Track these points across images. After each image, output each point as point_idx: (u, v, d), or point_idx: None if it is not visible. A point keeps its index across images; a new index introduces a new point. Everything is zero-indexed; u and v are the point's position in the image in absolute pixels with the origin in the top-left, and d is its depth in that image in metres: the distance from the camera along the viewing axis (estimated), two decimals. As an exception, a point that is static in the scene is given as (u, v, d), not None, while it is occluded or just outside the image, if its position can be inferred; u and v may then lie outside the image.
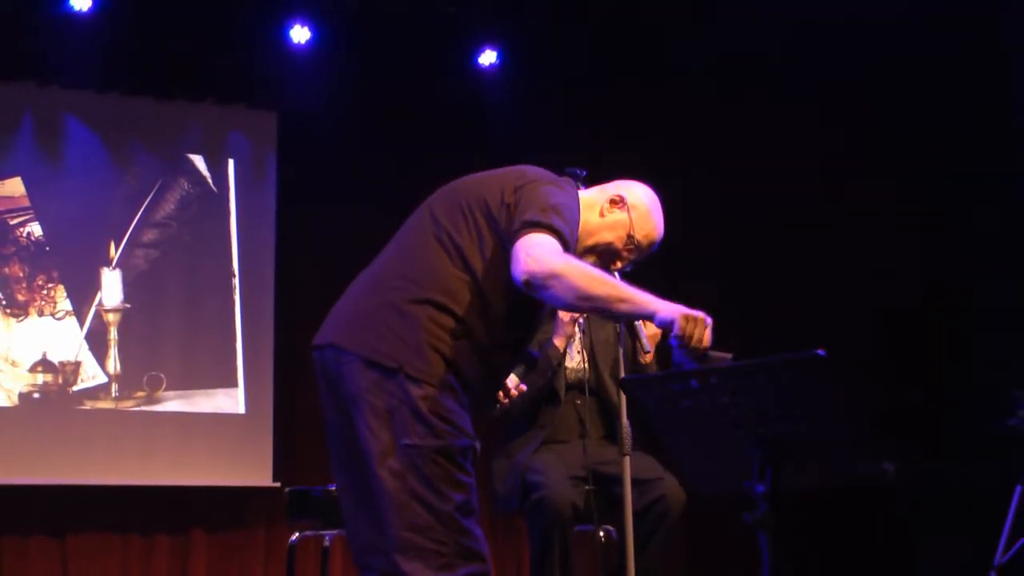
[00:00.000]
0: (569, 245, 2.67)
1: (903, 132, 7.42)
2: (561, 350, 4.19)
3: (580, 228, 2.87)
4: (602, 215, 2.99)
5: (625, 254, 3.01)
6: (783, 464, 2.57)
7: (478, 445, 2.70)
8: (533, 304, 2.78)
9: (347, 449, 2.72)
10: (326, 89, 6.75)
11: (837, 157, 7.36)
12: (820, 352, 2.36)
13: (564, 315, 4.15)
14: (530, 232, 2.63)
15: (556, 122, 7.09)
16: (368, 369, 2.65)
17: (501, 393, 3.17)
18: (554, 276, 2.56)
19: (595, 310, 2.74)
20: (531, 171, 2.91)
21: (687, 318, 2.54)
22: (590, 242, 2.96)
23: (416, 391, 2.61)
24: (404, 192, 6.94)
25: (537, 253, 2.58)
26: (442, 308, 2.69)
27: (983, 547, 6.08)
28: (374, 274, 2.91)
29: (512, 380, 3.19)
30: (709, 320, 2.59)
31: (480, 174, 3.00)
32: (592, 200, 3.02)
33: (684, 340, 2.54)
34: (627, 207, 3.01)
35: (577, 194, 2.92)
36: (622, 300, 2.60)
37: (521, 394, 4.01)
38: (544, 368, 4.17)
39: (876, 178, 7.41)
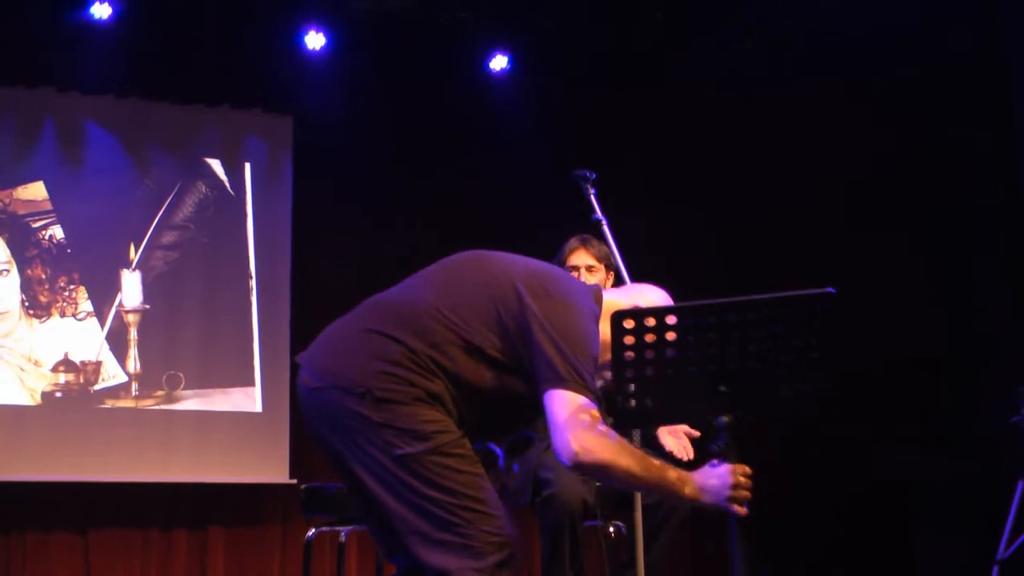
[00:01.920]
0: (598, 394, 2.67)
1: (902, 137, 7.48)
2: None
3: (604, 339, 2.79)
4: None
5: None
6: (748, 399, 2.85)
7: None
8: (515, 410, 2.83)
9: (346, 476, 2.73)
10: (340, 94, 6.84)
11: (837, 161, 7.42)
12: (830, 289, 2.68)
13: None
14: (565, 391, 2.61)
15: (565, 126, 7.15)
16: (342, 394, 2.66)
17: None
18: (604, 467, 2.62)
19: (639, 491, 2.82)
20: (555, 282, 2.80)
21: (733, 495, 2.88)
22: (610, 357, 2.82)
23: (388, 408, 2.62)
24: (416, 194, 7.11)
25: (585, 441, 2.59)
26: (412, 352, 2.67)
27: (986, 541, 6.14)
28: (365, 307, 2.86)
29: None
30: (744, 480, 2.90)
31: (494, 255, 2.90)
32: (615, 307, 2.87)
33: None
34: None
35: (592, 308, 2.81)
36: (665, 486, 2.75)
37: None
38: None
39: (875, 180, 7.47)
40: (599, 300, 2.91)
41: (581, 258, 4.35)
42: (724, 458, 2.87)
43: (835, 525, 7.23)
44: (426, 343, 2.67)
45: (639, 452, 2.70)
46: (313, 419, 2.76)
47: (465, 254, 2.93)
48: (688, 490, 2.79)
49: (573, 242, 4.38)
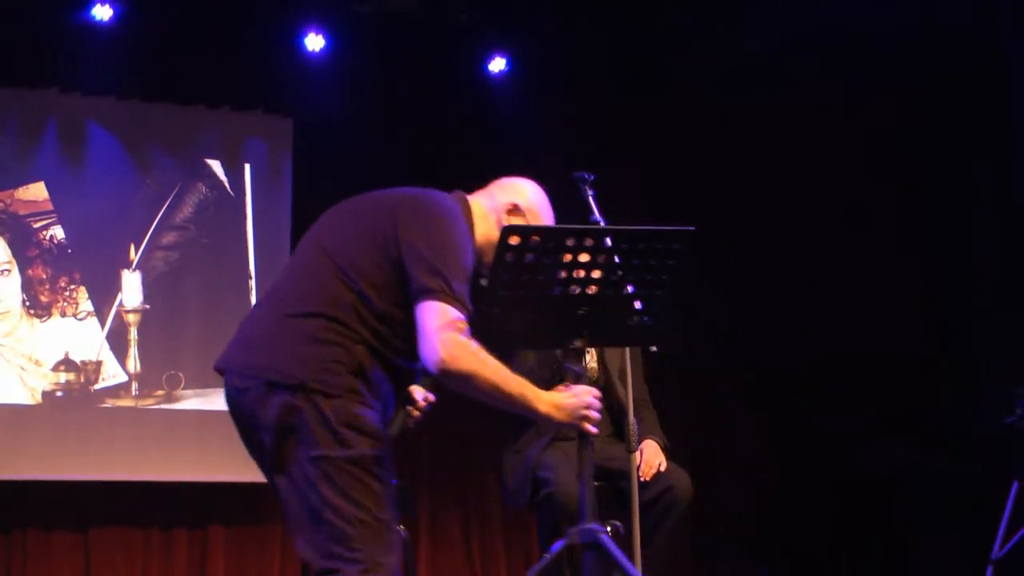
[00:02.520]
0: (468, 306, 2.73)
1: (902, 136, 7.50)
2: None
3: (481, 242, 2.98)
4: (500, 226, 3.00)
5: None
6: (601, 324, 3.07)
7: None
8: None
9: (266, 468, 2.75)
10: (340, 95, 6.87)
11: (836, 163, 7.45)
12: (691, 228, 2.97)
13: None
14: (436, 301, 2.67)
15: (564, 128, 7.18)
16: (270, 390, 2.64)
17: (415, 410, 3.21)
18: (468, 377, 2.69)
19: (501, 407, 2.85)
20: (424, 202, 2.91)
21: (586, 415, 2.96)
22: (492, 257, 2.95)
23: (321, 403, 2.61)
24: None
25: (453, 349, 2.65)
26: (332, 319, 2.70)
27: (980, 541, 6.17)
28: (269, 298, 2.88)
29: (419, 392, 3.21)
30: (595, 403, 2.97)
31: (370, 197, 3.00)
32: (485, 211, 3.08)
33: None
34: (523, 213, 3.11)
35: (464, 225, 2.90)
36: (523, 401, 2.82)
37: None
38: (548, 361, 4.24)
39: (874, 180, 7.50)
40: (467, 210, 3.02)
41: None
42: (578, 380, 3.04)
43: (831, 523, 7.27)
44: (341, 308, 2.70)
45: (502, 367, 2.76)
46: (245, 421, 2.73)
47: (339, 207, 3.01)
48: (543, 407, 2.87)
49: None
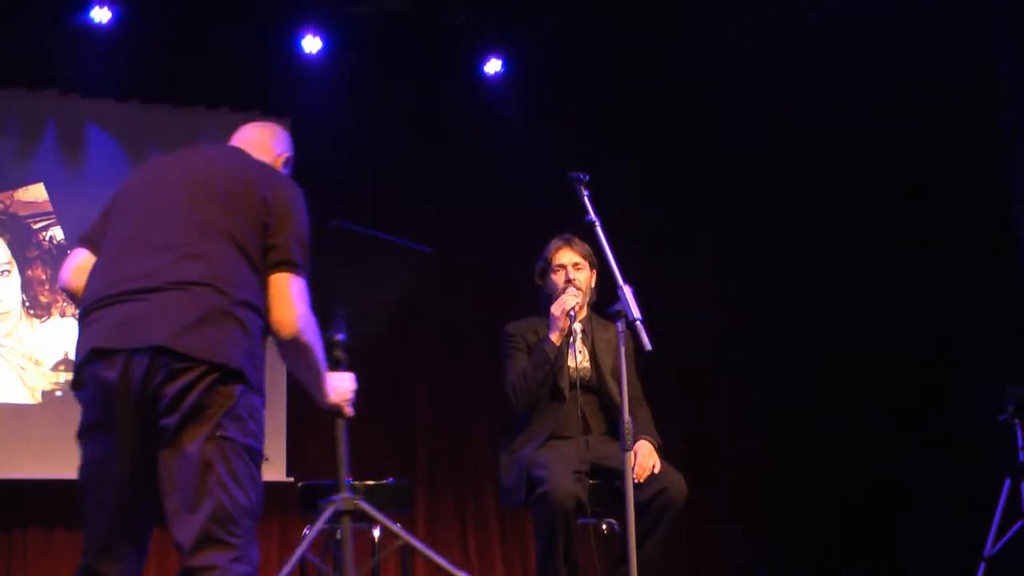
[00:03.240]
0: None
1: (899, 139, 7.54)
2: (557, 344, 4.28)
3: None
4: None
5: None
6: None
7: None
8: None
9: (137, 452, 2.72)
10: (337, 96, 6.92)
11: (834, 164, 7.49)
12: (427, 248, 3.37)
13: (556, 310, 4.30)
14: (298, 276, 2.86)
15: (559, 129, 7.23)
16: (209, 373, 2.64)
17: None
18: (308, 349, 2.89)
19: (306, 377, 3.04)
20: (282, 175, 3.13)
21: (350, 398, 3.49)
22: None
23: (242, 391, 2.67)
24: (412, 195, 7.18)
25: (309, 323, 2.87)
26: (255, 309, 2.78)
27: (972, 539, 6.21)
28: (179, 271, 2.75)
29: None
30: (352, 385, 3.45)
31: (221, 164, 2.99)
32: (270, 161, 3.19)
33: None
34: (289, 161, 3.33)
35: None
36: (323, 380, 3.13)
37: (525, 388, 4.23)
38: (540, 362, 4.29)
39: (874, 183, 7.53)
40: None
41: (567, 256, 4.45)
42: (344, 366, 3.66)
43: (827, 522, 7.31)
44: (259, 298, 2.81)
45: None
46: (138, 393, 2.66)
47: (184, 166, 2.99)
48: (327, 387, 3.22)
49: (557, 242, 4.49)
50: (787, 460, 7.41)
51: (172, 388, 2.64)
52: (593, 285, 4.53)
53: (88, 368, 2.79)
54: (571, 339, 4.43)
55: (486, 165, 7.18)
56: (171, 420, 2.65)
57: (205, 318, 2.69)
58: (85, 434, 2.91)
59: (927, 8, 6.60)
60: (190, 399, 2.64)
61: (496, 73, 7.16)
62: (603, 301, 4.14)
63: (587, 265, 4.47)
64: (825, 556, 7.30)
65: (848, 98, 7.30)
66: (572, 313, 4.31)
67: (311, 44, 6.78)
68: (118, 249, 2.87)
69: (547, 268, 4.49)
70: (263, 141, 3.24)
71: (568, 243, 4.47)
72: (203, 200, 2.86)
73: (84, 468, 2.93)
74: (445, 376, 7.07)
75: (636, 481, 4.04)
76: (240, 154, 3.09)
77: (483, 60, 7.13)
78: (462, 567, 6.86)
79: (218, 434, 2.64)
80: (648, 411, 4.49)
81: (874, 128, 7.44)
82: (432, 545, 6.83)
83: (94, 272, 2.88)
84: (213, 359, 2.65)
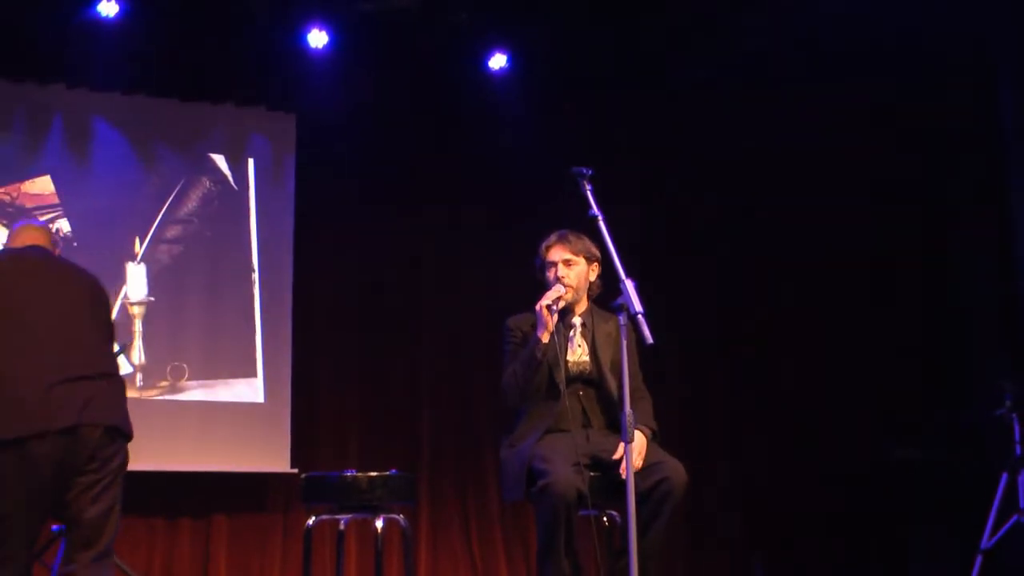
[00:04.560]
0: None
1: (898, 144, 7.57)
2: (544, 342, 4.29)
3: None
4: None
5: None
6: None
7: None
8: None
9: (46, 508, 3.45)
10: (342, 92, 6.93)
11: (833, 163, 7.52)
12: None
13: (539, 305, 4.32)
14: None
15: (564, 125, 7.24)
16: (117, 438, 3.52)
17: None
18: None
19: None
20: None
21: None
22: None
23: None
24: (416, 190, 7.22)
25: None
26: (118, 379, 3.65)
27: (970, 531, 6.26)
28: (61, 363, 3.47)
29: None
30: None
31: (60, 274, 3.75)
32: None
33: None
34: None
35: None
36: None
37: (514, 385, 4.25)
38: (528, 361, 4.31)
39: (870, 181, 7.56)
40: None
41: (557, 253, 4.47)
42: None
43: (825, 513, 7.34)
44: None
45: None
46: (80, 462, 3.40)
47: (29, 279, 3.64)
48: None
49: (551, 238, 4.52)
50: (785, 452, 7.45)
51: None
52: (594, 279, 4.56)
53: None
54: (570, 333, 4.47)
55: (491, 160, 7.21)
56: None
57: (101, 394, 3.56)
58: None
59: (930, 11, 6.61)
60: None
61: (501, 69, 7.18)
62: (607, 295, 4.16)
63: (582, 260, 4.48)
64: (822, 548, 7.34)
65: (846, 99, 7.33)
66: (553, 308, 4.31)
67: (317, 39, 6.80)
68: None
69: (542, 264, 4.53)
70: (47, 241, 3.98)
71: (561, 239, 4.49)
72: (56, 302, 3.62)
73: None
74: (450, 370, 7.09)
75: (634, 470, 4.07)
76: (63, 262, 3.88)
77: (487, 56, 7.15)
78: (465, 559, 6.93)
79: (119, 488, 3.61)
80: (649, 402, 4.51)
81: (872, 133, 7.47)
82: (434, 536, 6.91)
83: None
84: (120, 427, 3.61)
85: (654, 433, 4.38)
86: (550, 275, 4.48)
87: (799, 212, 7.54)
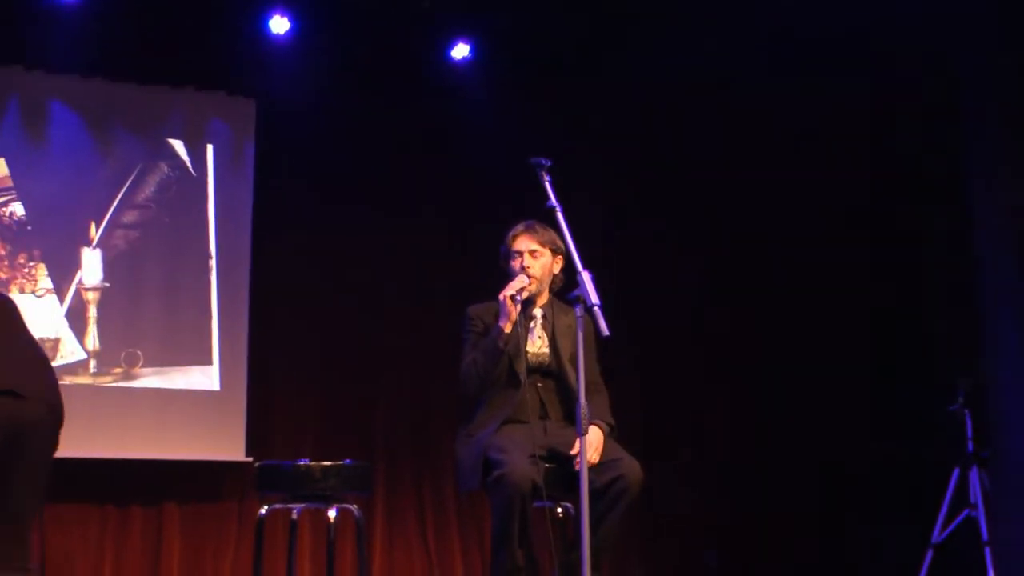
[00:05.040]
0: None
1: (862, 131, 7.61)
2: (507, 332, 4.29)
3: None
4: None
5: None
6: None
7: None
8: None
9: None
10: (304, 78, 6.88)
11: (795, 157, 7.55)
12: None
13: (502, 295, 4.32)
14: None
15: (526, 114, 7.21)
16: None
17: None
18: None
19: None
20: None
21: None
22: None
23: None
24: (378, 179, 7.19)
25: None
26: None
27: (921, 526, 6.31)
28: None
29: None
30: None
31: None
32: None
33: None
34: None
35: None
36: None
37: (474, 374, 4.25)
38: (489, 351, 4.31)
39: (830, 172, 7.60)
40: None
41: (524, 243, 4.47)
42: None
43: (778, 506, 7.39)
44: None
45: None
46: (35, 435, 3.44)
47: None
48: None
49: (517, 227, 4.52)
50: (740, 447, 7.48)
51: None
52: (557, 271, 4.56)
53: None
54: (531, 324, 4.46)
55: (453, 149, 7.19)
56: None
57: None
58: None
59: (892, 11, 6.64)
60: None
61: (464, 58, 7.15)
62: (567, 287, 4.15)
63: (548, 251, 4.49)
64: (774, 540, 7.38)
65: (810, 96, 7.36)
66: (517, 298, 4.32)
67: (279, 25, 6.76)
68: None
69: (507, 253, 4.53)
70: None
71: (528, 229, 4.50)
72: None
73: None
74: (407, 359, 7.07)
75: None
76: None
77: (451, 44, 7.12)
78: (420, 549, 6.92)
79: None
80: (605, 396, 4.52)
81: (827, 129, 7.52)
82: (389, 527, 6.89)
83: None
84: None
85: (611, 428, 4.39)
86: (515, 264, 4.47)
87: (761, 203, 7.56)
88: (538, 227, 4.48)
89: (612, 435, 4.36)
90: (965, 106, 6.30)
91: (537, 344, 4.46)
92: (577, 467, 4.01)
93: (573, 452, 4.18)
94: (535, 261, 4.47)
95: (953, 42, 6.40)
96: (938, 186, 7.18)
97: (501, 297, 4.33)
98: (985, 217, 6.10)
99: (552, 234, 4.45)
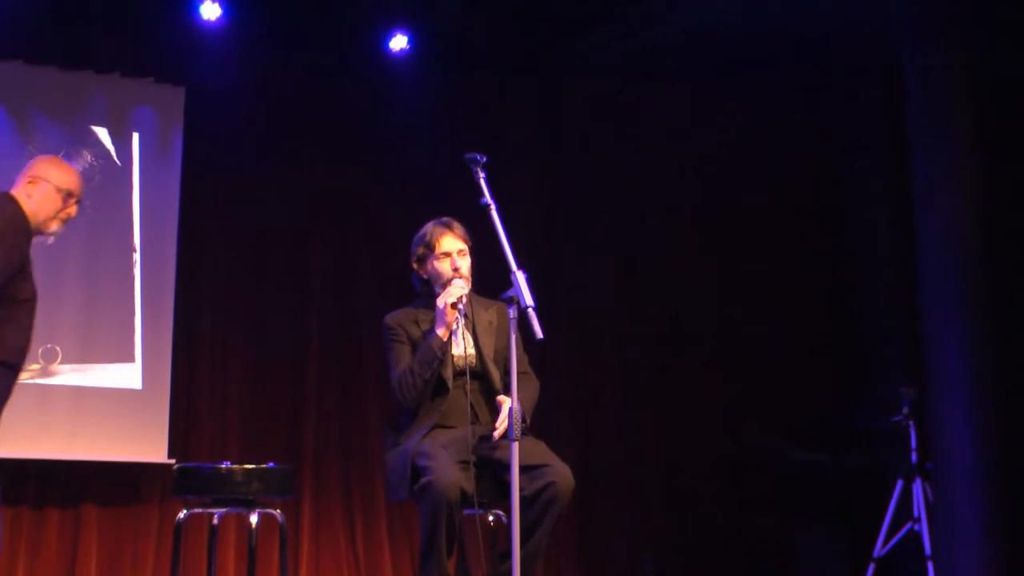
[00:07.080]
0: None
1: (799, 137, 7.61)
2: (444, 339, 4.18)
3: (33, 216, 4.04)
4: (31, 197, 4.07)
5: (71, 208, 4.22)
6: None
7: None
8: None
9: None
10: (235, 66, 6.75)
11: (732, 159, 7.53)
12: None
13: (441, 303, 4.18)
14: None
15: (463, 108, 7.16)
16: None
17: None
18: None
19: None
20: None
21: None
22: (42, 217, 4.13)
23: None
24: (310, 170, 7.04)
25: None
26: None
27: (862, 538, 6.27)
28: None
29: None
30: None
31: None
32: (20, 192, 4.06)
33: None
34: (42, 180, 4.09)
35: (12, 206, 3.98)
36: None
37: (412, 385, 4.12)
38: (428, 360, 4.17)
39: (767, 174, 7.59)
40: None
41: (451, 243, 4.32)
42: None
43: (717, 513, 7.33)
44: None
45: None
46: None
47: None
48: None
49: (438, 227, 4.35)
50: (677, 454, 7.42)
51: None
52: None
53: None
54: (455, 327, 4.31)
55: (386, 142, 7.08)
56: None
57: None
58: None
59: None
60: None
61: (402, 50, 7.02)
62: (497, 285, 4.00)
63: (468, 250, 4.34)
64: (713, 548, 7.31)
65: (745, 91, 7.36)
66: (460, 307, 4.22)
67: (210, 11, 6.60)
68: None
69: (428, 255, 4.33)
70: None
71: (450, 228, 4.33)
72: None
73: None
74: (336, 361, 6.93)
75: (496, 436, 4.05)
76: None
77: (388, 35, 7.00)
78: (348, 557, 6.75)
79: None
80: (535, 383, 4.39)
81: (765, 127, 7.52)
82: (317, 534, 6.72)
83: None
84: None
85: (525, 423, 4.21)
86: (441, 266, 4.29)
87: (703, 202, 7.54)
88: (456, 225, 4.35)
89: (528, 434, 4.20)
90: (912, 114, 6.25)
91: (460, 346, 4.30)
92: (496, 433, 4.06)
93: (497, 425, 4.09)
94: (464, 261, 4.31)
95: (897, 41, 6.37)
96: (878, 191, 7.19)
97: (441, 305, 4.17)
98: (927, 223, 6.04)
99: (467, 231, 4.31)
